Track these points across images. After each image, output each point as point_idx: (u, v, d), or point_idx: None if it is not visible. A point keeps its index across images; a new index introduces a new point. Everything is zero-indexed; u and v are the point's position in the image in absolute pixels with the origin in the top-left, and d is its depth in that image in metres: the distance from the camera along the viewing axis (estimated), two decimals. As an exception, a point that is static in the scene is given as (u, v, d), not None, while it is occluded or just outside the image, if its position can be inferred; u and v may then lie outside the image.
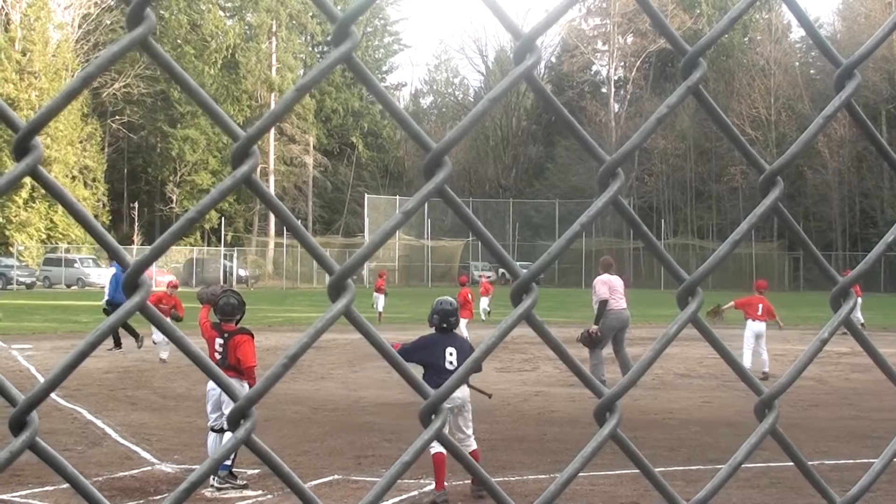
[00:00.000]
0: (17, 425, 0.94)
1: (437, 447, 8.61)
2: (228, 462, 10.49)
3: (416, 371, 6.03)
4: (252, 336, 10.59)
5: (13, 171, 0.92)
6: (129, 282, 0.96)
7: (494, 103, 1.11)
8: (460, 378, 1.14)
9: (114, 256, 1.00)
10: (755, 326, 19.66)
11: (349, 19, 1.02)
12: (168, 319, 1.01)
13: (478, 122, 1.10)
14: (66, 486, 8.42)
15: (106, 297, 22.54)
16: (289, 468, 1.03)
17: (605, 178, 1.16)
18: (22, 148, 0.93)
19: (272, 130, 66.19)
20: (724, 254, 1.25)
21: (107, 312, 21.06)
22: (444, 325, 10.04)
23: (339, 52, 1.03)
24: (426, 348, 9.89)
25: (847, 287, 1.34)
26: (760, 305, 19.71)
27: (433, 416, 1.09)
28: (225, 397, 10.19)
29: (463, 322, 26.38)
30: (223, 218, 76.49)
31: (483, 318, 34.67)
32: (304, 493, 1.05)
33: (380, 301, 35.49)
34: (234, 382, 7.55)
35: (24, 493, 9.49)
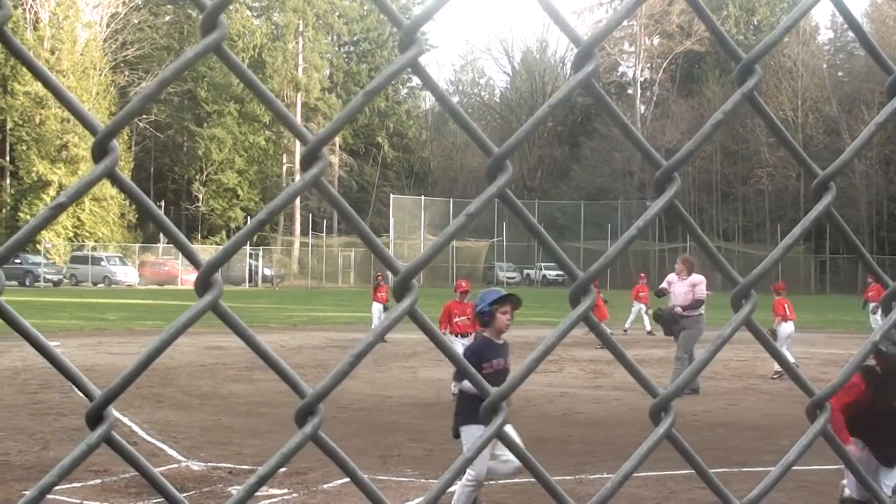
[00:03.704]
0: (95, 419, 0.97)
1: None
2: None
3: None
4: None
5: (93, 172, 0.95)
6: (202, 281, 0.99)
7: (554, 109, 1.13)
8: (520, 378, 1.15)
9: (187, 256, 1.02)
10: (789, 327, 19.68)
11: (415, 26, 1.05)
12: (237, 318, 1.03)
13: (538, 127, 1.12)
14: (93, 482, 8.46)
15: None
16: (354, 465, 1.06)
17: (661, 183, 1.18)
18: (101, 150, 0.96)
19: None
20: (778, 257, 1.26)
21: None
22: None
23: (405, 58, 1.05)
24: None
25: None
26: (786, 305, 19.69)
27: (493, 415, 1.11)
28: None
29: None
30: (248, 217, 76.71)
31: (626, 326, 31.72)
32: (369, 489, 1.07)
33: (376, 315, 26.57)
34: None
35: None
